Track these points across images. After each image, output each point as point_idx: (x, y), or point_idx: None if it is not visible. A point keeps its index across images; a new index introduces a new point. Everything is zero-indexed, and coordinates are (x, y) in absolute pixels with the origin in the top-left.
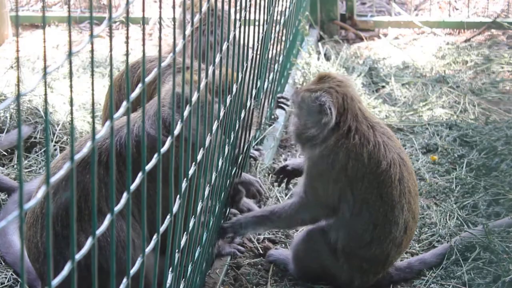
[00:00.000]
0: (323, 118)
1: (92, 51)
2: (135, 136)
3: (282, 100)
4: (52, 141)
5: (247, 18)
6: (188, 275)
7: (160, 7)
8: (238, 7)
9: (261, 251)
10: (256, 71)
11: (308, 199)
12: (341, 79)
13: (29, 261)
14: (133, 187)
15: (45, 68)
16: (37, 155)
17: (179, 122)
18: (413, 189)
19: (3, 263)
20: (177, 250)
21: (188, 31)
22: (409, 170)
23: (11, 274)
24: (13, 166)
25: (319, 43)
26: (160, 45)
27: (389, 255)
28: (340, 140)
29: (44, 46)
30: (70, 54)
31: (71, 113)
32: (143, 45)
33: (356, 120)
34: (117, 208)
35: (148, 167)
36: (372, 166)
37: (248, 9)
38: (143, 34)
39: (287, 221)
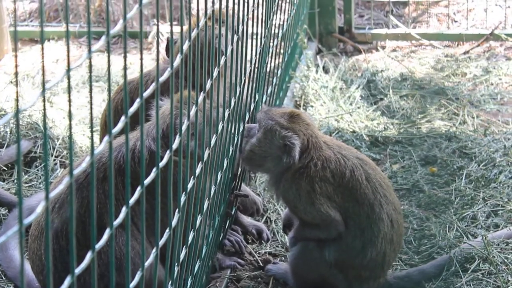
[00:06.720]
0: (285, 157)
1: (90, 66)
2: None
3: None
4: (52, 155)
5: (245, 31)
6: None
7: (157, 20)
8: (235, 21)
9: (261, 264)
10: (254, 84)
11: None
12: (308, 121)
13: (32, 274)
14: (132, 200)
15: (43, 83)
16: (37, 170)
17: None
18: (384, 182)
19: (4, 278)
20: (176, 264)
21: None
22: (372, 166)
23: None
24: (13, 181)
25: (318, 56)
26: (157, 59)
27: (385, 254)
28: (298, 171)
29: (43, 62)
30: (68, 69)
31: (70, 127)
32: (141, 59)
33: (320, 149)
34: (116, 222)
35: (147, 181)
36: (337, 180)
37: (246, 22)
38: (141, 48)
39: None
